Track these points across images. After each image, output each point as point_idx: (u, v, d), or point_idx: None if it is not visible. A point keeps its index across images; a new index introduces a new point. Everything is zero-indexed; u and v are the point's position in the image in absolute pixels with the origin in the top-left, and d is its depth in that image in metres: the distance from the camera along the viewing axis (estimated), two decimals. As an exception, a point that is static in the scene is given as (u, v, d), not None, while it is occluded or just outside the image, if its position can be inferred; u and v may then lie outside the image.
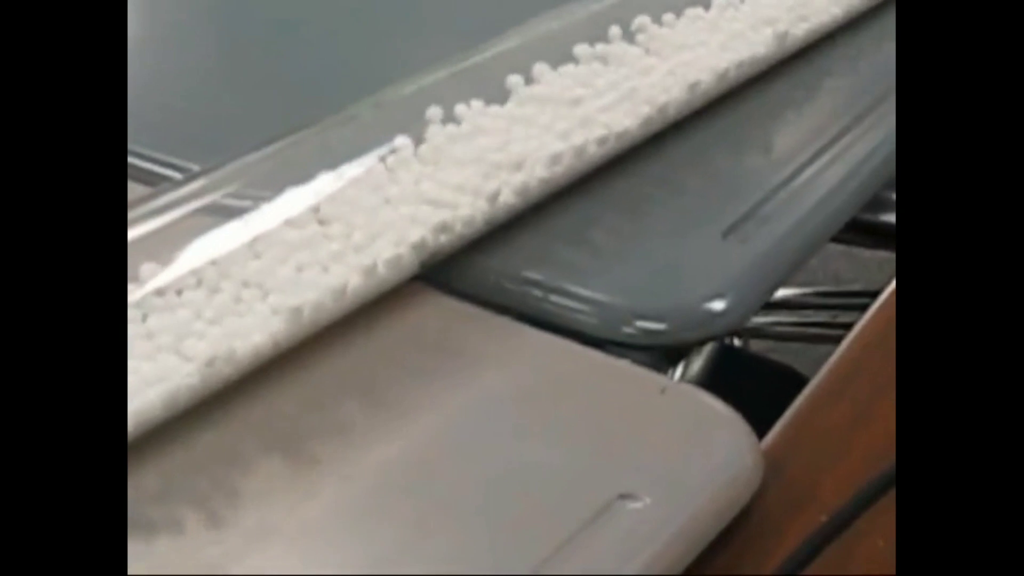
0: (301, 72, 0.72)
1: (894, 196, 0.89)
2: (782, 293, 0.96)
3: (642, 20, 0.66)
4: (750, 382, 0.61)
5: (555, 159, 0.56)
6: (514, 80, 0.61)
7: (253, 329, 0.48)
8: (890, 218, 0.90)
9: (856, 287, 1.09)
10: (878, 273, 1.18)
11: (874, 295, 1.08)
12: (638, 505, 0.44)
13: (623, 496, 0.44)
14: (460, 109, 0.59)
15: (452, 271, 0.53)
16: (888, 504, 0.45)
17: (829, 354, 0.60)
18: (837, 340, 1.01)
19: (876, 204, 0.65)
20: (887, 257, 1.10)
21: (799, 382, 0.84)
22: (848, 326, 1.00)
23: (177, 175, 0.57)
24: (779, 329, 0.98)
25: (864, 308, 1.07)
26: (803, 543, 0.45)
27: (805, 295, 0.98)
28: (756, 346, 1.01)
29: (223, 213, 0.53)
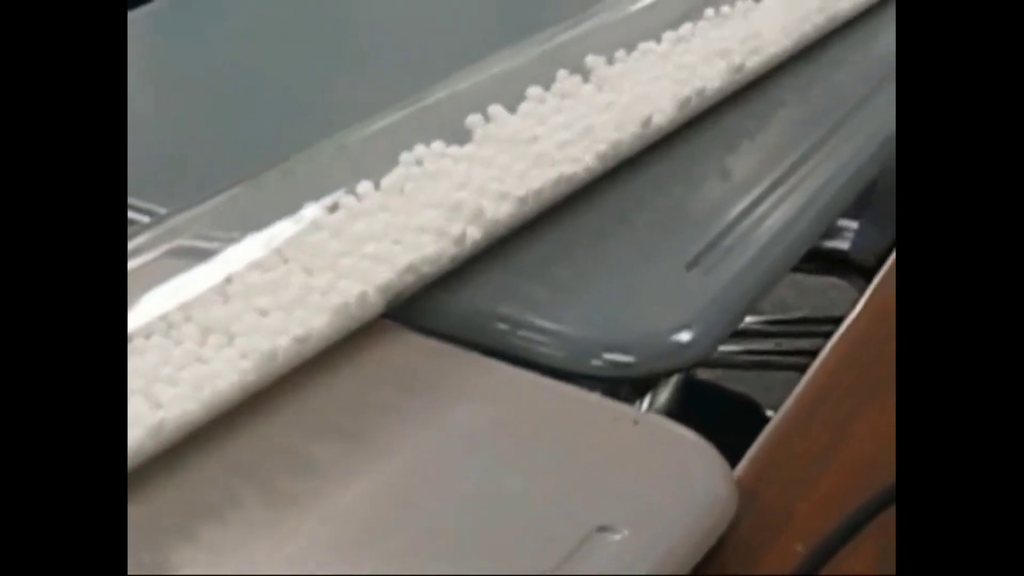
0: (263, 115, 0.71)
1: (840, 223, 0.90)
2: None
3: (594, 59, 0.66)
4: (710, 412, 0.61)
5: (519, 200, 0.56)
6: (473, 120, 0.61)
7: (222, 374, 0.47)
8: (837, 244, 0.91)
9: (800, 314, 1.09)
10: (821, 299, 1.19)
11: (820, 322, 1.09)
12: (617, 537, 0.44)
13: (602, 528, 0.44)
14: (420, 150, 0.59)
15: (419, 308, 0.53)
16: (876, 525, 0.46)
17: (782, 380, 0.60)
18: (786, 367, 1.03)
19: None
20: (831, 283, 1.12)
21: (756, 410, 0.85)
22: (795, 353, 1.01)
23: (144, 218, 0.56)
24: (728, 358, 0.98)
25: (810, 335, 1.09)
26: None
27: (752, 323, 0.99)
28: (703, 375, 1.02)
29: (190, 256, 0.52)
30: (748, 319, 1.01)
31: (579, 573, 0.42)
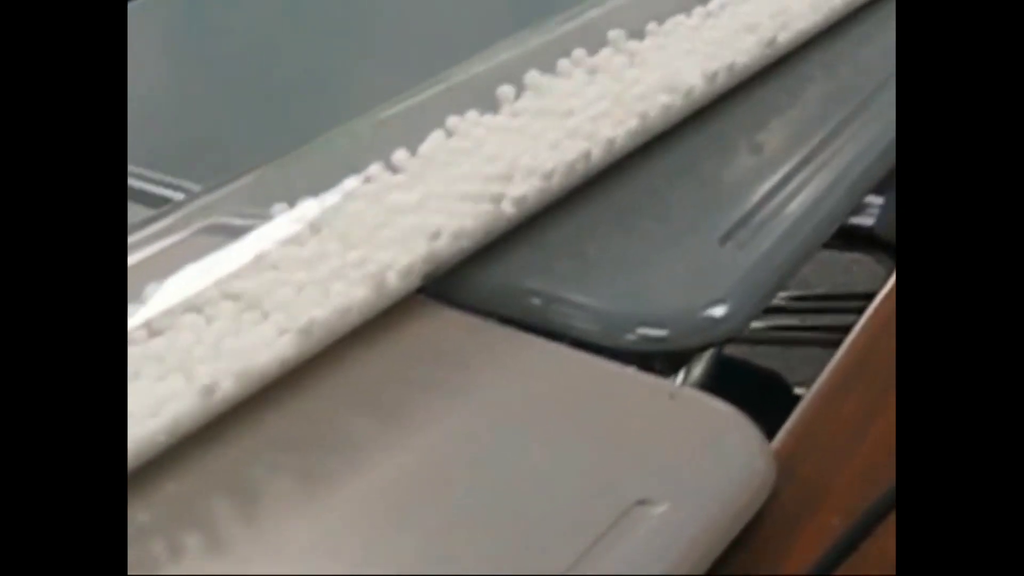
0: (296, 93, 0.71)
1: (866, 199, 0.89)
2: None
3: (620, 34, 0.66)
4: (741, 387, 0.61)
5: (548, 173, 0.56)
6: (505, 91, 0.61)
7: (260, 349, 0.47)
8: (861, 221, 0.91)
9: (823, 290, 1.09)
10: (844, 275, 1.19)
11: (844, 298, 1.09)
12: (657, 510, 0.44)
13: (641, 502, 0.44)
14: (453, 121, 0.59)
15: (453, 284, 0.53)
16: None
17: (807, 357, 0.60)
18: (811, 342, 1.02)
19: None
20: (854, 259, 1.11)
21: (784, 386, 0.84)
22: (820, 328, 1.01)
23: (178, 195, 0.56)
24: (755, 334, 0.98)
25: (834, 311, 1.08)
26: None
27: (777, 299, 0.98)
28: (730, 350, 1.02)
29: (225, 233, 0.52)
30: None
31: (619, 547, 0.42)
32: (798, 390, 0.58)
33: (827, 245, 0.92)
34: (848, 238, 0.92)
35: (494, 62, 0.64)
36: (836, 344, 0.57)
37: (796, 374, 0.80)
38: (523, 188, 0.55)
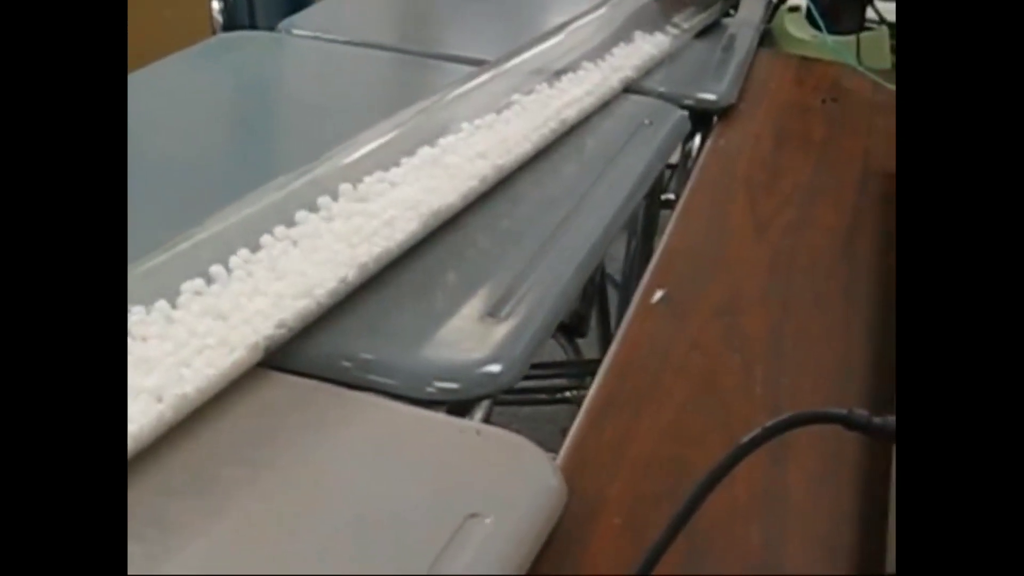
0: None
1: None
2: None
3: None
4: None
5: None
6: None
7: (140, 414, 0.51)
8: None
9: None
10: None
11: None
12: (486, 520, 0.50)
13: (472, 515, 0.50)
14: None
15: (289, 356, 0.59)
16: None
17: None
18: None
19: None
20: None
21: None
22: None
23: None
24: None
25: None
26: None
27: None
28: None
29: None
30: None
31: (463, 552, 0.48)
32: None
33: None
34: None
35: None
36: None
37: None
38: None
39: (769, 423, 0.46)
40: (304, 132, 0.91)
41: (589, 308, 1.26)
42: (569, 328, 1.21)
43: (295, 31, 1.13)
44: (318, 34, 1.12)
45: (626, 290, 1.25)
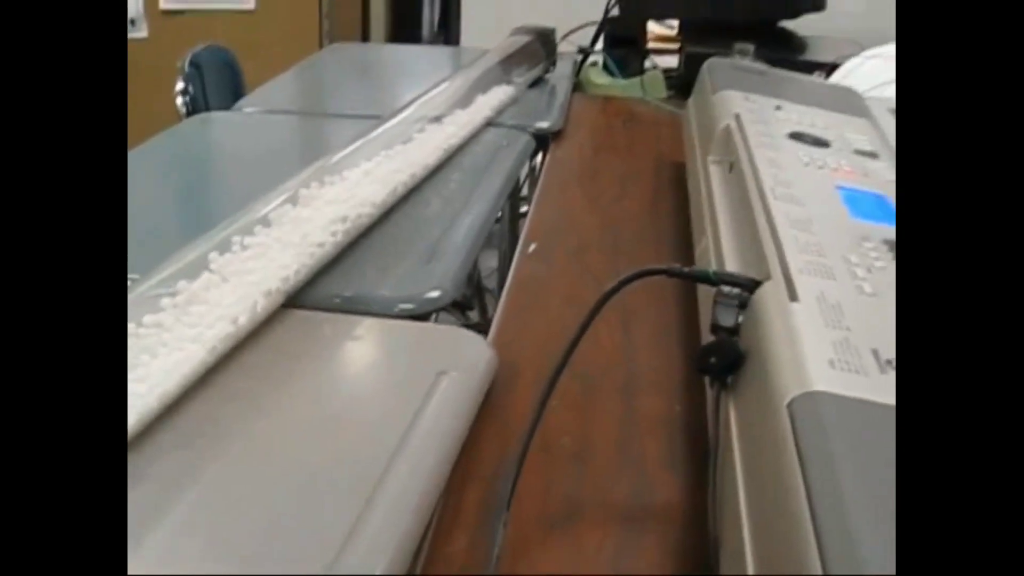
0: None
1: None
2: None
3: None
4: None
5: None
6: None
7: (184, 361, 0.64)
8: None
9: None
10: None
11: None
12: (452, 374, 0.67)
13: (441, 372, 0.66)
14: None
15: (299, 297, 0.79)
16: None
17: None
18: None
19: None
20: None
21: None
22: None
23: None
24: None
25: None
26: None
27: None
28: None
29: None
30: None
31: (442, 393, 0.64)
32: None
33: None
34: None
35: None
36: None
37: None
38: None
39: (618, 280, 0.60)
40: (268, 173, 1.08)
41: (473, 293, 1.57)
42: (461, 305, 1.51)
43: (246, 109, 1.45)
44: (266, 109, 1.45)
45: (503, 259, 1.53)
